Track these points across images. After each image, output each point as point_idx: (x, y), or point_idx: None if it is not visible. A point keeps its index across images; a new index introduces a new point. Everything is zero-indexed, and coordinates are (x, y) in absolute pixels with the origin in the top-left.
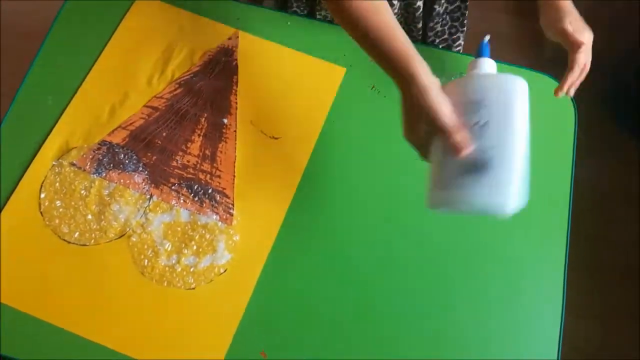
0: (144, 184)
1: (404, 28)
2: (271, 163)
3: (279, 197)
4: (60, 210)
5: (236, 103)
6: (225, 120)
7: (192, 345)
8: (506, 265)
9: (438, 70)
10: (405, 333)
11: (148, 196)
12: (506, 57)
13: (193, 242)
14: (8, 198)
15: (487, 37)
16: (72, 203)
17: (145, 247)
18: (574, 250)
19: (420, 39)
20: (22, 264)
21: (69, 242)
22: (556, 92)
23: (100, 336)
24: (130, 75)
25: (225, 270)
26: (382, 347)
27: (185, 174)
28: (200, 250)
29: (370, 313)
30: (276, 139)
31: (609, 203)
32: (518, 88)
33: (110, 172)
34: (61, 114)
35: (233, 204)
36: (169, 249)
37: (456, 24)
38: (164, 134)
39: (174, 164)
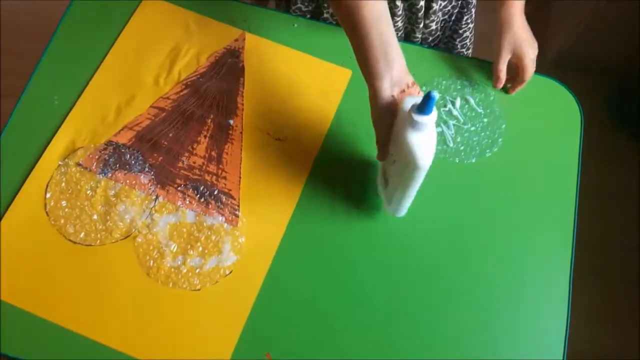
0: (150, 184)
1: (407, 28)
2: (277, 165)
3: (285, 199)
4: (66, 210)
5: (242, 104)
6: (232, 122)
7: (197, 346)
8: (512, 268)
9: (422, 68)
10: (411, 334)
11: (154, 197)
12: None
13: (199, 244)
14: (13, 198)
15: (436, 93)
16: (78, 203)
17: (151, 248)
18: (579, 253)
19: (420, 41)
20: (27, 264)
21: (75, 242)
22: (495, 85)
23: (105, 337)
24: (136, 75)
25: (230, 272)
26: (388, 348)
27: (191, 175)
28: (206, 251)
29: (375, 315)
30: (282, 140)
31: (615, 207)
32: (422, 166)
33: (116, 172)
34: (67, 114)
35: (239, 206)
36: (174, 250)
37: (452, 24)
38: (170, 135)
39: (180, 164)
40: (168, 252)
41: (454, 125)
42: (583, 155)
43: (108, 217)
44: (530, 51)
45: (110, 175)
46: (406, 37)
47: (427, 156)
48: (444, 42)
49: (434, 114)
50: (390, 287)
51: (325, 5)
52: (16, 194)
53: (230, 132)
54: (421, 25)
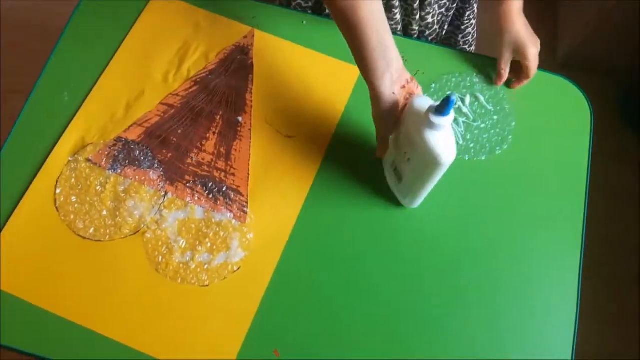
0: (159, 180)
1: (404, 21)
2: (285, 162)
3: (293, 196)
4: (76, 205)
5: (251, 101)
6: (240, 119)
7: (205, 342)
8: (520, 266)
9: (430, 66)
10: (419, 333)
11: (163, 193)
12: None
13: (207, 240)
14: (24, 193)
15: (455, 97)
16: (88, 199)
17: (160, 243)
18: (589, 254)
19: (417, 34)
20: (37, 259)
21: (84, 238)
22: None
23: (113, 331)
24: (146, 72)
25: (239, 268)
26: (395, 347)
27: (200, 172)
28: (214, 247)
29: (384, 313)
30: (291, 137)
31: (621, 206)
32: (444, 162)
33: (126, 168)
34: (77, 110)
35: (247, 202)
36: (183, 245)
37: (453, 19)
38: (179, 131)
39: (189, 161)
40: (177, 248)
41: (463, 122)
42: (593, 155)
43: (117, 213)
44: (532, 48)
45: (119, 171)
46: (404, 30)
47: (449, 153)
48: (446, 38)
49: (452, 114)
50: (398, 284)
51: None
52: (26, 189)
53: (239, 128)
54: (417, 17)
